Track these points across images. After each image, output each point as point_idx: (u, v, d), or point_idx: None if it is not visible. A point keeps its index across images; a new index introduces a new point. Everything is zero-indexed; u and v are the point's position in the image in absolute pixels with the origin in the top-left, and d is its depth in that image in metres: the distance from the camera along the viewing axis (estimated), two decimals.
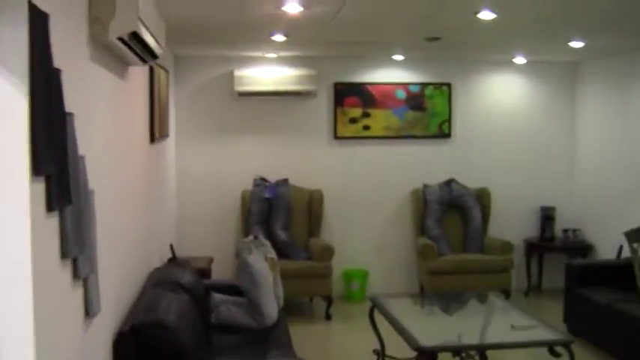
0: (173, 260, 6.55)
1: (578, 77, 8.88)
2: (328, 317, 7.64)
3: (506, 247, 7.92)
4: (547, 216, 8.65)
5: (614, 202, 8.08)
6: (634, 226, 7.60)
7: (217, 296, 5.58)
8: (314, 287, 7.60)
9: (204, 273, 6.74)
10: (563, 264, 7.89)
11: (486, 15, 5.31)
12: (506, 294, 7.84)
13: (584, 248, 8.42)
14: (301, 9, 5.13)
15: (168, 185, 7.53)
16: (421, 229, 8.30)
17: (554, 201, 8.77)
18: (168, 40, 5.18)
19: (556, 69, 8.87)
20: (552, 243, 8.58)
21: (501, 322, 5.69)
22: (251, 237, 5.91)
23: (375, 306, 5.89)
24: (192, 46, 7.44)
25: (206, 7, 5.25)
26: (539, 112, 8.91)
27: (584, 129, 8.78)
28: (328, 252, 7.62)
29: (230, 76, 8.18)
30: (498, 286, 7.83)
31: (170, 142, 7.64)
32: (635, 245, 4.97)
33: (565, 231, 8.57)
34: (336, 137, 8.52)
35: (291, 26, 6.05)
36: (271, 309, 5.42)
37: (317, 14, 5.37)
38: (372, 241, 8.63)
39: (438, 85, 8.66)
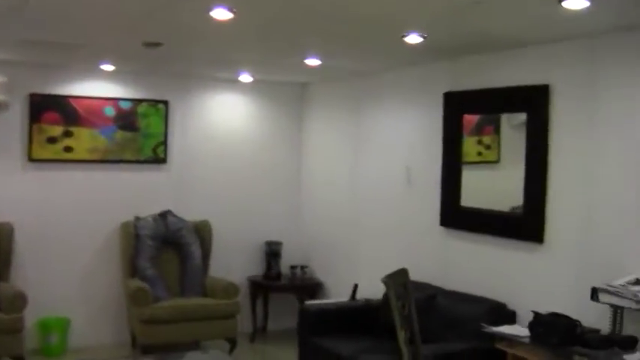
0: None
1: (306, 100, 8.25)
2: None
3: (230, 289, 6.98)
4: (273, 251, 7.87)
5: (341, 235, 7.50)
6: (362, 261, 7.07)
7: None
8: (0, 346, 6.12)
9: None
10: (291, 304, 7.24)
11: (221, 14, 4.35)
12: (232, 343, 6.91)
13: (314, 286, 7.74)
14: None
15: None
16: (133, 270, 7.06)
17: (281, 235, 8.02)
18: None
19: (284, 90, 8.19)
20: (279, 281, 7.79)
21: None
22: None
23: None
24: None
25: None
26: (265, 137, 8.15)
27: (311, 157, 8.16)
28: (19, 300, 6.20)
29: None
30: (223, 333, 6.91)
31: None
32: (392, 292, 4.27)
33: (292, 268, 7.83)
34: (31, 160, 7.08)
35: None
36: None
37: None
38: (75, 284, 7.25)
39: (153, 103, 7.57)
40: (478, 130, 5.94)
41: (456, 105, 5.95)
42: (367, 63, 6.52)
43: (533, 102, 5.16)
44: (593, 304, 4.44)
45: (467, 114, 5.89)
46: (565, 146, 4.98)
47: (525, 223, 5.26)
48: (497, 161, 5.85)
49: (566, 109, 4.96)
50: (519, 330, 4.56)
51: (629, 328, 4.41)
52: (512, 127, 5.72)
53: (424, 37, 4.97)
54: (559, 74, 5.01)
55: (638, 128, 4.50)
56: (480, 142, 5.95)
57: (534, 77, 5.16)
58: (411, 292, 4.51)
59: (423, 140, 6.33)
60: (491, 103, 5.63)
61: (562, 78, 4.99)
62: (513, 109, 5.43)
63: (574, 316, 4.46)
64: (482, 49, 5.47)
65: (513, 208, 5.55)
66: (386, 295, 6.13)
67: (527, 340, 4.41)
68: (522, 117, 5.50)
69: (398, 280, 4.43)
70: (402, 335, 4.25)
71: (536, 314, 4.42)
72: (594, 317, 4.50)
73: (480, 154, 5.97)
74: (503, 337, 4.56)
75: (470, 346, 4.93)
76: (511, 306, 5.26)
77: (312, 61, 6.25)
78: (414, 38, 4.98)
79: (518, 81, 5.29)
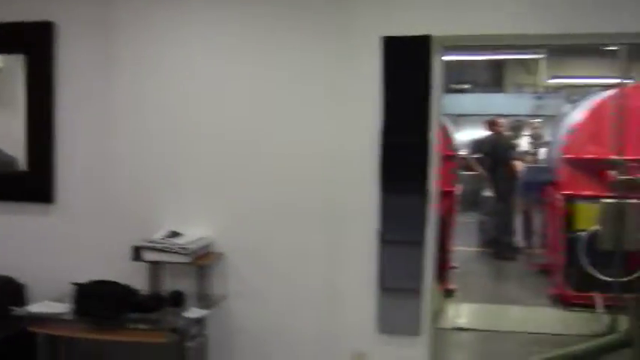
0: None
1: None
2: None
3: None
4: None
5: None
6: None
7: None
8: None
9: None
10: None
11: None
12: None
13: None
14: None
15: None
16: None
17: None
18: None
19: None
20: None
21: None
22: None
23: None
24: None
25: None
26: None
27: None
28: None
29: None
30: None
31: None
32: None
33: None
34: None
35: None
36: None
37: None
38: None
39: None
40: None
41: None
42: None
43: (33, 42, 4.44)
44: (121, 263, 4.16)
45: None
46: (75, 93, 4.43)
47: (29, 182, 4.55)
48: None
49: (77, 49, 4.40)
50: (57, 306, 3.89)
51: (170, 283, 4.18)
52: None
53: None
54: (65, 11, 4.40)
55: (151, 72, 4.28)
56: None
57: (35, 13, 4.44)
58: None
59: None
60: None
61: (69, 15, 4.39)
62: (9, 49, 4.60)
63: (105, 278, 3.97)
64: None
65: None
66: None
67: (70, 317, 3.79)
68: None
69: None
70: None
71: (79, 286, 3.81)
72: (126, 277, 4.06)
73: None
74: (39, 318, 3.84)
75: None
76: (22, 279, 4.52)
77: None
78: None
79: (13, 17, 4.50)
